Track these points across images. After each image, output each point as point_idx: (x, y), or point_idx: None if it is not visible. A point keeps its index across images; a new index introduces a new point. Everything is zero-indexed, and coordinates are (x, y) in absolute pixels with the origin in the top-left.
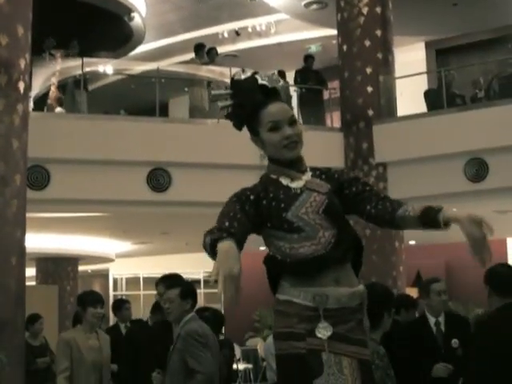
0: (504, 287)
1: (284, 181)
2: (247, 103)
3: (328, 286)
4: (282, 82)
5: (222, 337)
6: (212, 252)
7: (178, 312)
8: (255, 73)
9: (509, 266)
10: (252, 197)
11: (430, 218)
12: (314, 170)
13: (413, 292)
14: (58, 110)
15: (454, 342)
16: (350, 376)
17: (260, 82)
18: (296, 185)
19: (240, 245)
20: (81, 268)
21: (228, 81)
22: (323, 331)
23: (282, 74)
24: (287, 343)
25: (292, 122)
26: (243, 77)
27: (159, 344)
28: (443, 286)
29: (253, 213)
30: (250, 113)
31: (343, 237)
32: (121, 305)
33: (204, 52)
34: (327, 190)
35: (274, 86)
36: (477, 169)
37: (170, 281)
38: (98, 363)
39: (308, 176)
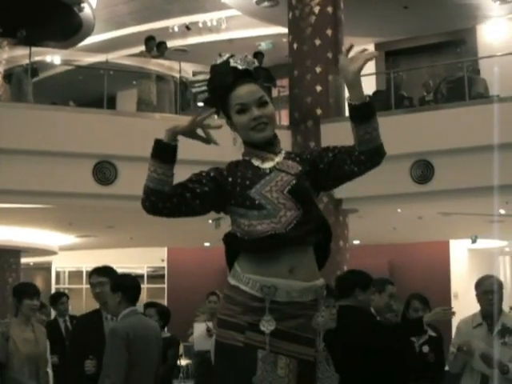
0: (339, 290)
1: (255, 162)
2: (217, 87)
3: (280, 277)
4: (255, 64)
5: (167, 334)
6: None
7: (111, 306)
8: (231, 56)
9: (352, 272)
10: (212, 173)
11: (354, 109)
12: (288, 153)
13: None
14: None
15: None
16: (286, 377)
17: (231, 64)
18: (266, 165)
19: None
20: (23, 260)
21: (176, 75)
22: (267, 324)
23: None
24: (227, 332)
25: (261, 103)
26: (218, 61)
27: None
28: (395, 290)
29: (211, 187)
30: (221, 96)
31: (307, 219)
32: (57, 299)
33: (154, 45)
34: (297, 172)
35: (245, 68)
36: (422, 170)
37: (102, 275)
38: (34, 356)
39: (280, 158)
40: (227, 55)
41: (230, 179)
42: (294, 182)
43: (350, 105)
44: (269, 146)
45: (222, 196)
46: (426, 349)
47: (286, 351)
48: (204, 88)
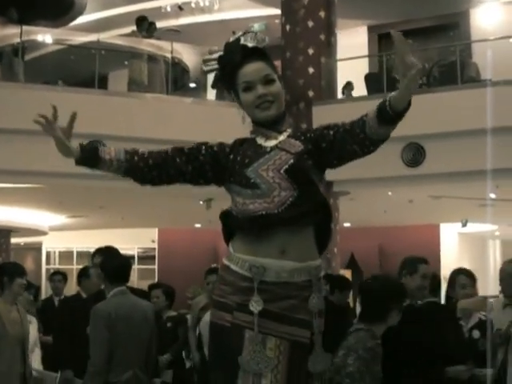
0: None
1: (259, 140)
2: (226, 65)
3: (270, 257)
4: (266, 42)
5: (173, 313)
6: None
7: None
8: (243, 34)
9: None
10: (215, 148)
11: (389, 116)
12: (295, 131)
13: (347, 274)
14: None
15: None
16: (275, 358)
17: (241, 42)
18: (268, 144)
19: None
20: (13, 240)
21: (168, 55)
22: (255, 305)
23: None
24: (218, 313)
25: (267, 81)
26: (231, 39)
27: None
28: (429, 270)
29: (207, 159)
30: (230, 74)
31: (303, 200)
32: (51, 276)
33: (146, 25)
34: (298, 151)
35: (255, 46)
36: (414, 154)
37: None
38: (21, 336)
39: (284, 136)
40: (240, 33)
41: (232, 156)
42: (291, 161)
43: (387, 112)
44: (275, 125)
45: (219, 171)
46: (476, 334)
47: (276, 332)
48: (215, 66)
